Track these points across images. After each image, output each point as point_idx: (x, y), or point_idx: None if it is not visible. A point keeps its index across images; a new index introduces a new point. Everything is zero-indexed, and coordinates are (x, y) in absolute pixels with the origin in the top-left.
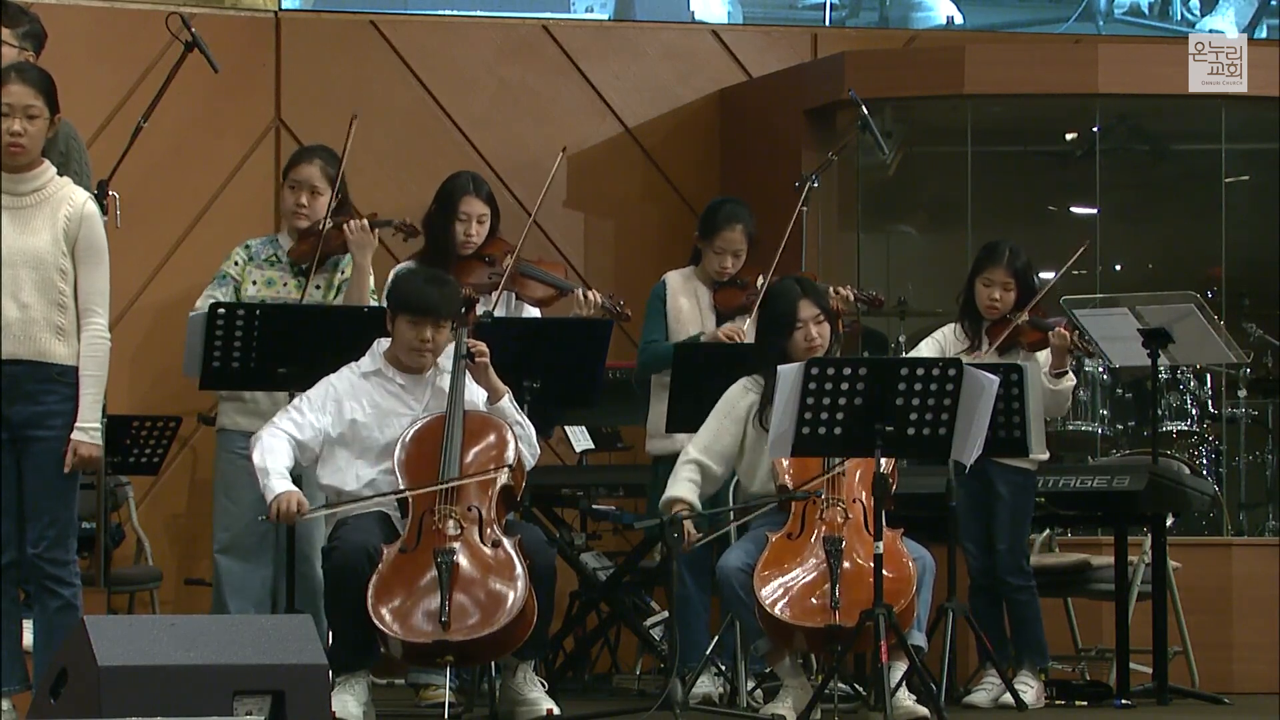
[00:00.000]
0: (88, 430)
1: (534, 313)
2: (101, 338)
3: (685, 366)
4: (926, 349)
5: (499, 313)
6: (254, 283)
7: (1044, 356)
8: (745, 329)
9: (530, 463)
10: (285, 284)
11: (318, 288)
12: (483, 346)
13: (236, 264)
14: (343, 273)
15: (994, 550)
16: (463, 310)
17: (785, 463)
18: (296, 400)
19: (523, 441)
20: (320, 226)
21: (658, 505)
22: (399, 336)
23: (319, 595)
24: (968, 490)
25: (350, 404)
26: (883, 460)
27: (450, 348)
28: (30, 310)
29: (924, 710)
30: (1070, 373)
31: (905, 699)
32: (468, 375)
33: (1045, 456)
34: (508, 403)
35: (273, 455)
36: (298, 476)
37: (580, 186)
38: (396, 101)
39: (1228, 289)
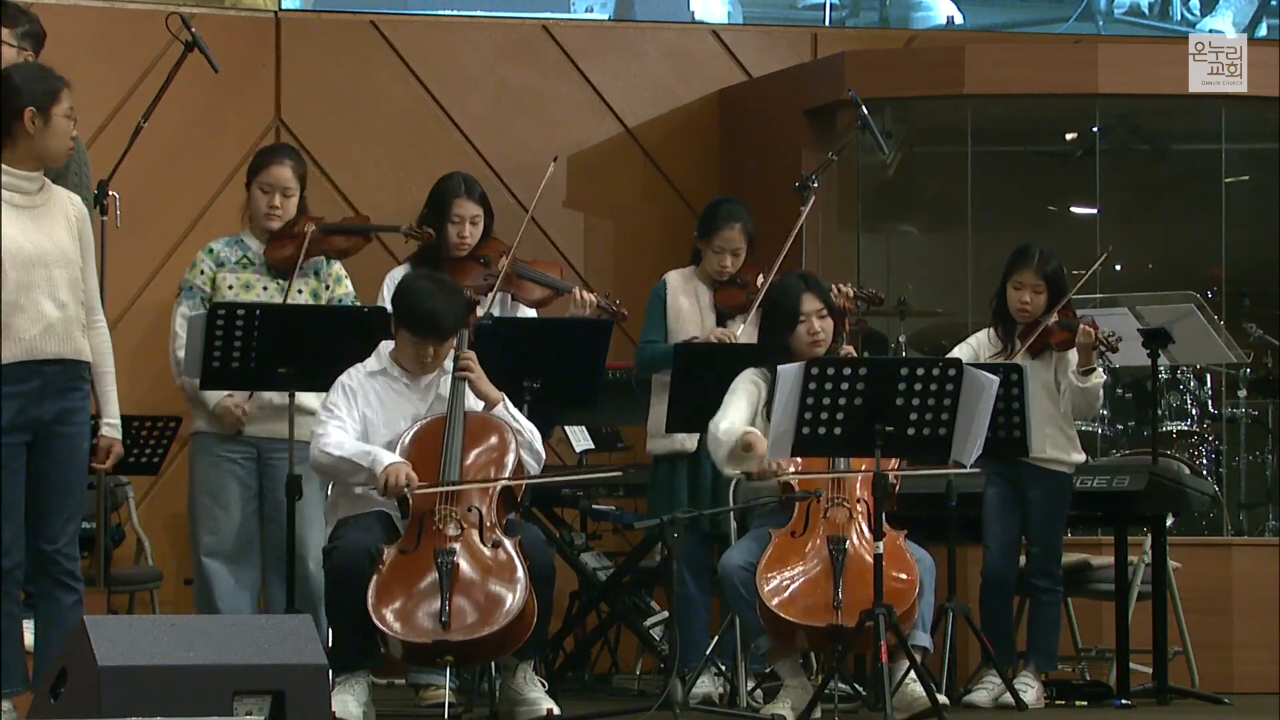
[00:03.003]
0: (117, 427)
1: (530, 313)
2: (108, 333)
3: (685, 367)
4: (960, 355)
5: (494, 313)
6: (230, 287)
7: (1074, 356)
8: (738, 332)
9: (535, 469)
10: (265, 287)
11: (300, 292)
12: (467, 361)
13: (203, 273)
14: (328, 287)
15: (1025, 552)
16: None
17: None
18: (327, 409)
19: (523, 448)
20: (296, 229)
21: (659, 505)
22: (403, 346)
23: (312, 595)
24: (997, 490)
25: (362, 402)
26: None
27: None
28: (68, 310)
29: (923, 694)
30: (1100, 370)
31: (910, 683)
32: None
33: (1081, 458)
34: (502, 410)
35: (352, 440)
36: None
37: (580, 186)
38: (396, 101)
39: (1228, 289)
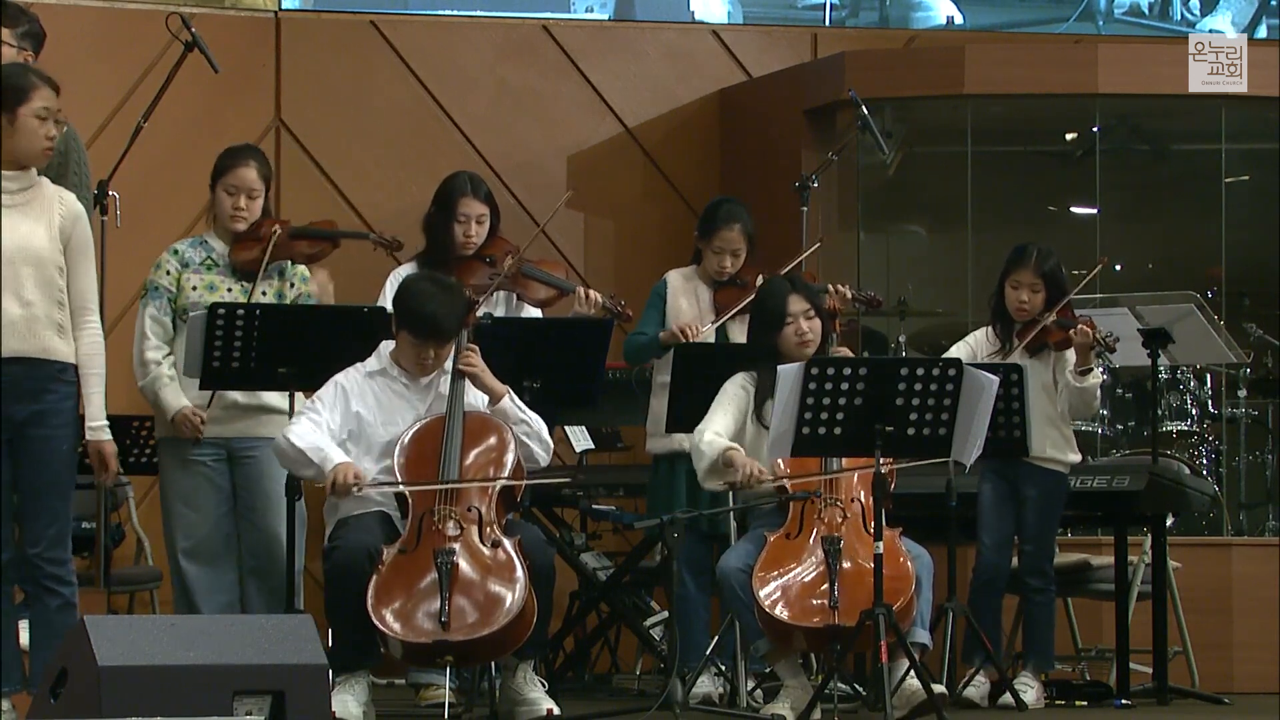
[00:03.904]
0: (104, 429)
1: (534, 313)
2: (99, 336)
3: (685, 366)
4: (958, 353)
5: (499, 312)
6: (194, 288)
7: (1072, 356)
8: (705, 329)
9: (545, 458)
10: (230, 289)
11: (264, 294)
12: (470, 359)
13: (169, 273)
14: (292, 285)
15: (1017, 550)
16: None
17: (781, 463)
18: (310, 402)
19: (531, 439)
20: (262, 232)
21: (659, 505)
22: (403, 347)
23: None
24: (993, 487)
25: (357, 401)
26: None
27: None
28: (33, 308)
29: (920, 687)
30: (1096, 371)
31: (910, 679)
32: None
33: (1077, 458)
34: (508, 403)
35: (314, 435)
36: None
37: (580, 186)
38: (396, 101)
39: (1228, 289)
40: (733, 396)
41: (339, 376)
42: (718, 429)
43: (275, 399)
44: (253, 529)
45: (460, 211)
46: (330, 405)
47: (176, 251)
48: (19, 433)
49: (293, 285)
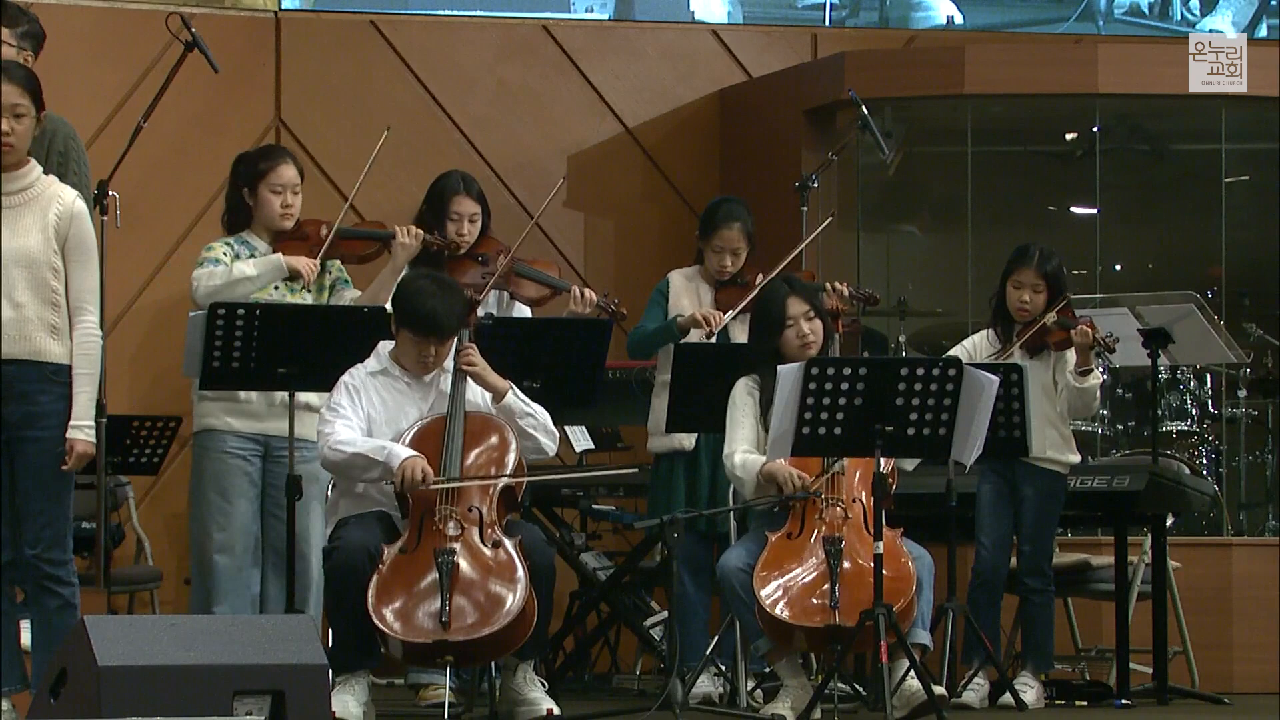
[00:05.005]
0: (83, 428)
1: (524, 311)
2: (94, 335)
3: (685, 366)
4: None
5: (491, 311)
6: None
7: (1072, 356)
8: (724, 317)
9: (552, 448)
10: (276, 287)
11: (308, 291)
12: (470, 357)
13: (225, 253)
14: (330, 273)
15: (1016, 550)
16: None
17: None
18: (332, 409)
19: (538, 430)
20: (307, 231)
21: (659, 504)
22: (403, 346)
23: (318, 595)
24: (992, 487)
25: (365, 400)
26: (881, 460)
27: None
28: (24, 310)
29: (920, 687)
30: (1096, 371)
31: (910, 679)
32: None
33: (1076, 459)
34: (512, 398)
35: (359, 436)
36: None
37: (580, 186)
38: (396, 101)
39: (1228, 289)
40: (744, 405)
41: (345, 378)
42: (745, 446)
43: (314, 398)
44: (281, 526)
45: (453, 210)
46: (352, 407)
47: (229, 244)
48: (13, 434)
49: (330, 273)
